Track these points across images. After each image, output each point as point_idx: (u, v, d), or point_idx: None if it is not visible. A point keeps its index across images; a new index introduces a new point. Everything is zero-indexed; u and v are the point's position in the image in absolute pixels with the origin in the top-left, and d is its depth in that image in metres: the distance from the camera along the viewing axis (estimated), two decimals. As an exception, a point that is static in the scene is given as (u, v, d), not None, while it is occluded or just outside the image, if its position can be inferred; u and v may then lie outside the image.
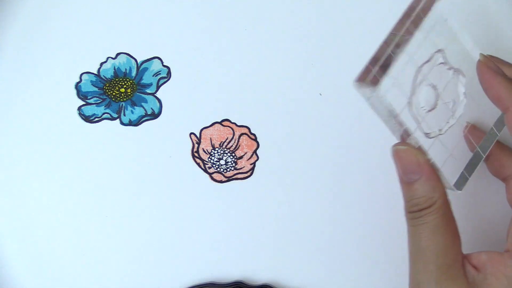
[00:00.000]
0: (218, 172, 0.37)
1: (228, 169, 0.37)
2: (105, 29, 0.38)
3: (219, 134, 0.38)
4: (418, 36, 0.29)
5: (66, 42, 0.38)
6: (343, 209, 0.37)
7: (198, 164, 0.37)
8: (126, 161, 0.37)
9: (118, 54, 0.38)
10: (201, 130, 0.38)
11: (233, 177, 0.37)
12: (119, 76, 0.38)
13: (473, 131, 0.33)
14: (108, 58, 0.38)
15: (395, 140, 0.31)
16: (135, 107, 0.38)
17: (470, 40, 0.31)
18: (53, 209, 0.37)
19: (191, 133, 0.38)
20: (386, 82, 0.28)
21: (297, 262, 0.37)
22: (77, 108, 0.38)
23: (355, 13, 0.39)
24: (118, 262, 0.37)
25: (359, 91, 0.29)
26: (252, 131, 0.38)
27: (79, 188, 0.37)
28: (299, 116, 0.38)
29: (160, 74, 0.38)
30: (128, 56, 0.38)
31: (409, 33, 0.29)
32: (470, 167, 0.31)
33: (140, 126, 0.38)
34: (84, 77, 0.38)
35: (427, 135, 0.31)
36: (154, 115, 0.38)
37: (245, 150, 0.38)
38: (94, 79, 0.38)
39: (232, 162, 0.37)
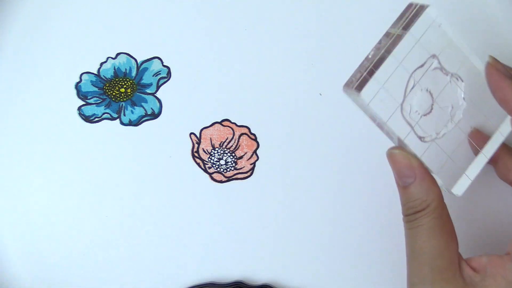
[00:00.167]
0: (218, 172, 0.37)
1: (228, 169, 0.37)
2: (105, 29, 0.38)
3: (219, 134, 0.38)
4: (408, 41, 0.29)
5: (66, 42, 0.38)
6: (343, 209, 0.37)
7: (198, 164, 0.37)
8: (126, 161, 0.37)
9: (118, 54, 0.38)
10: (201, 130, 0.38)
11: (233, 177, 0.37)
12: (119, 76, 0.38)
13: (478, 136, 0.33)
14: (108, 58, 0.38)
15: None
16: (135, 107, 0.38)
17: (467, 45, 0.31)
18: (53, 209, 0.37)
19: (191, 133, 0.38)
20: (372, 87, 0.29)
21: (297, 262, 0.37)
22: (77, 108, 0.38)
23: (355, 13, 0.39)
24: (118, 262, 0.37)
25: (349, 97, 0.30)
26: (252, 131, 0.38)
27: (79, 188, 0.37)
28: (299, 116, 0.38)
29: (160, 74, 0.38)
30: (128, 56, 0.38)
31: (398, 38, 0.29)
32: (473, 170, 0.32)
33: (140, 126, 0.38)
34: (84, 77, 0.38)
35: (421, 139, 0.31)
36: (154, 115, 0.38)
37: (245, 150, 0.38)
38: (94, 79, 0.38)
39: (232, 162, 0.37)
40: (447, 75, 0.31)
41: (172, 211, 0.37)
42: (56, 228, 0.37)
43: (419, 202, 0.30)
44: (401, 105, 0.30)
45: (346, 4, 0.39)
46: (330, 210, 0.37)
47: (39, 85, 0.38)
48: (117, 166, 0.37)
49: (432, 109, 0.31)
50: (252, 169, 0.37)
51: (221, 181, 0.37)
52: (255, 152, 0.38)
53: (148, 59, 0.38)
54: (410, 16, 0.30)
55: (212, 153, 0.38)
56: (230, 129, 0.38)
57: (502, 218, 0.37)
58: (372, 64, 0.29)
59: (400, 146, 0.31)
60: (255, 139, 0.38)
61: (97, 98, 0.38)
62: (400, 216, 0.32)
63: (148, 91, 0.38)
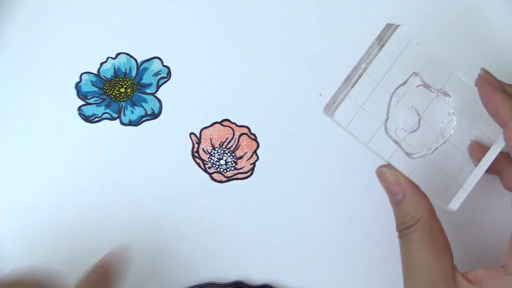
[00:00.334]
0: (218, 172, 0.37)
1: (228, 169, 0.37)
2: (105, 29, 0.38)
3: (219, 134, 0.38)
4: (385, 60, 0.30)
5: (66, 42, 0.38)
6: (343, 209, 0.37)
7: (198, 164, 0.37)
8: (126, 161, 0.37)
9: (118, 54, 0.38)
10: (201, 130, 0.38)
11: (233, 177, 0.37)
12: (119, 76, 0.38)
13: (477, 148, 0.33)
14: (108, 58, 0.38)
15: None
16: (135, 107, 0.38)
17: (451, 60, 0.32)
18: (53, 209, 0.37)
19: (191, 133, 0.38)
20: (349, 109, 0.30)
21: (297, 262, 0.37)
22: (77, 108, 0.38)
23: (355, 13, 0.39)
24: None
25: (331, 120, 0.31)
26: (252, 131, 0.38)
27: (79, 188, 0.37)
28: (299, 116, 0.38)
29: (160, 74, 0.38)
30: (128, 56, 0.38)
31: (374, 58, 0.30)
32: (469, 183, 0.32)
33: (140, 126, 0.38)
34: (84, 77, 0.38)
35: (409, 155, 0.32)
36: (154, 115, 0.38)
37: (245, 150, 0.38)
38: (94, 79, 0.38)
39: (232, 162, 0.37)
40: (432, 91, 0.32)
41: (172, 211, 0.37)
42: (56, 228, 0.37)
43: (409, 217, 0.31)
44: (385, 123, 0.31)
45: (346, 4, 0.39)
46: (330, 210, 0.37)
47: (39, 85, 0.38)
48: (117, 166, 0.37)
49: (419, 125, 0.32)
50: (252, 169, 0.37)
51: (221, 181, 0.37)
52: (255, 152, 0.38)
53: (148, 59, 0.38)
54: (387, 36, 0.30)
55: (212, 153, 0.38)
56: (230, 129, 0.38)
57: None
58: (349, 86, 0.30)
59: (388, 163, 0.31)
60: (255, 139, 0.38)
61: (97, 98, 0.38)
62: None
63: (148, 91, 0.38)
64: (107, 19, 0.38)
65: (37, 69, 0.38)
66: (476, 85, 0.32)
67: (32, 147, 0.37)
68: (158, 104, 0.38)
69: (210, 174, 0.37)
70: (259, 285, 0.36)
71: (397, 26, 0.30)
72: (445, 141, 0.32)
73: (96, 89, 0.38)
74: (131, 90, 0.38)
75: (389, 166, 0.31)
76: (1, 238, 0.37)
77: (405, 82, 0.31)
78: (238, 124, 0.38)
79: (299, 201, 0.37)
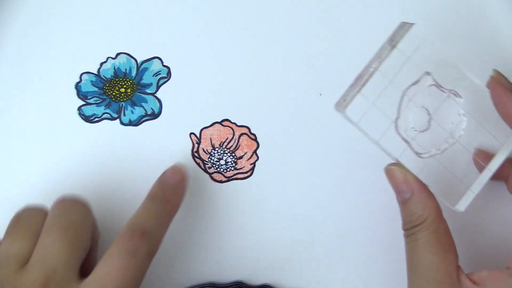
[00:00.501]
0: (218, 172, 0.37)
1: (228, 169, 0.37)
2: (105, 29, 0.38)
3: (219, 134, 0.38)
4: (398, 59, 0.30)
5: (66, 42, 0.38)
6: (343, 209, 0.37)
7: (198, 164, 0.37)
8: (126, 161, 0.37)
9: (118, 54, 0.38)
10: (201, 130, 0.38)
11: (233, 177, 0.37)
12: (119, 76, 0.38)
13: (483, 154, 0.33)
14: (108, 58, 0.38)
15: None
16: (135, 107, 0.38)
17: (463, 62, 0.32)
18: (53, 209, 0.37)
19: (191, 133, 0.38)
20: (360, 106, 0.30)
21: (297, 262, 0.37)
22: (77, 108, 0.38)
23: (355, 13, 0.39)
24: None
25: (342, 116, 0.31)
26: (252, 131, 0.38)
27: (79, 188, 0.37)
28: (299, 116, 0.38)
29: (160, 74, 0.38)
30: (128, 56, 0.38)
31: (387, 57, 0.30)
32: (477, 185, 0.32)
33: (140, 126, 0.38)
34: (84, 77, 0.38)
35: (419, 154, 0.32)
36: (154, 115, 0.38)
37: (245, 150, 0.38)
38: (94, 79, 0.38)
39: (232, 162, 0.37)
40: (444, 91, 0.32)
41: (172, 211, 0.37)
42: (56, 228, 0.37)
43: (416, 216, 0.30)
44: (396, 122, 0.31)
45: (346, 4, 0.39)
46: (330, 210, 0.37)
47: (39, 85, 0.38)
48: (117, 166, 0.37)
49: (430, 125, 0.32)
50: (252, 169, 0.37)
51: (221, 181, 0.37)
52: (255, 152, 0.38)
53: (148, 59, 0.38)
54: (400, 34, 0.30)
55: (212, 153, 0.38)
56: (230, 129, 0.38)
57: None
58: (362, 83, 0.30)
59: (397, 161, 0.31)
60: (255, 139, 0.38)
61: (97, 98, 0.38)
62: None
63: (148, 91, 0.38)
64: (107, 19, 0.38)
65: (37, 69, 0.38)
66: (487, 86, 0.32)
67: (32, 147, 0.37)
68: (158, 104, 0.38)
69: (210, 174, 0.37)
70: (259, 285, 0.36)
71: (412, 24, 0.30)
72: (454, 142, 0.32)
73: (96, 89, 0.38)
74: (131, 90, 0.38)
75: (398, 164, 0.31)
76: (0, 238, 0.37)
77: (417, 81, 0.31)
78: (238, 124, 0.38)
79: (299, 201, 0.37)
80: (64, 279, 0.29)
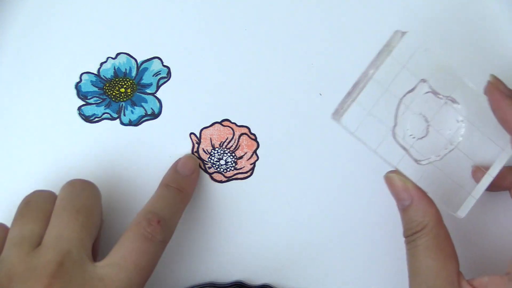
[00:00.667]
0: (218, 172, 0.37)
1: (228, 169, 0.37)
2: (105, 29, 0.38)
3: (219, 134, 0.38)
4: (393, 67, 0.30)
5: (66, 42, 0.38)
6: (343, 209, 0.37)
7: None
8: (126, 161, 0.37)
9: (118, 54, 0.38)
10: (201, 130, 0.38)
11: (233, 177, 0.37)
12: (119, 76, 0.38)
13: (480, 169, 0.33)
14: (108, 58, 0.38)
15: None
16: (135, 107, 0.38)
17: (459, 68, 0.32)
18: (53, 209, 0.37)
19: (191, 133, 0.38)
20: (356, 114, 0.30)
21: (297, 262, 0.37)
22: (77, 108, 0.38)
23: (355, 13, 0.39)
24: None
25: (340, 125, 0.31)
26: (252, 131, 0.38)
27: (79, 188, 0.37)
28: (299, 116, 0.38)
29: (160, 74, 0.38)
30: (128, 56, 0.38)
31: (378, 65, 0.30)
32: (478, 191, 0.32)
33: (140, 126, 0.38)
34: (84, 77, 0.38)
35: (418, 161, 0.32)
36: (154, 115, 0.38)
37: (245, 150, 0.38)
38: (94, 79, 0.38)
39: (232, 162, 0.37)
40: (441, 98, 0.32)
41: (172, 211, 0.37)
42: (56, 228, 0.37)
43: (416, 223, 0.31)
44: (393, 129, 0.31)
45: (346, 4, 0.39)
46: (330, 210, 0.37)
47: (39, 85, 0.38)
48: (117, 166, 0.37)
49: (428, 132, 0.32)
50: (252, 169, 0.37)
51: (221, 181, 0.37)
52: (255, 152, 0.38)
53: (148, 59, 0.38)
54: (394, 43, 0.30)
55: (212, 153, 0.38)
56: (230, 129, 0.38)
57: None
58: (357, 92, 0.30)
59: (397, 169, 0.31)
60: (255, 139, 0.38)
61: (97, 98, 0.38)
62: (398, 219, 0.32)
63: (148, 91, 0.38)
64: (107, 19, 0.38)
65: (37, 69, 0.38)
66: (485, 91, 0.32)
67: (32, 147, 0.37)
68: (158, 104, 0.38)
69: (210, 174, 0.37)
70: (259, 285, 0.36)
71: (404, 32, 0.30)
72: (453, 148, 0.32)
73: (96, 89, 0.38)
74: (131, 90, 0.38)
75: (397, 171, 0.31)
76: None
77: (413, 88, 0.31)
78: (238, 124, 0.38)
79: (299, 201, 0.37)
80: (79, 260, 0.29)
